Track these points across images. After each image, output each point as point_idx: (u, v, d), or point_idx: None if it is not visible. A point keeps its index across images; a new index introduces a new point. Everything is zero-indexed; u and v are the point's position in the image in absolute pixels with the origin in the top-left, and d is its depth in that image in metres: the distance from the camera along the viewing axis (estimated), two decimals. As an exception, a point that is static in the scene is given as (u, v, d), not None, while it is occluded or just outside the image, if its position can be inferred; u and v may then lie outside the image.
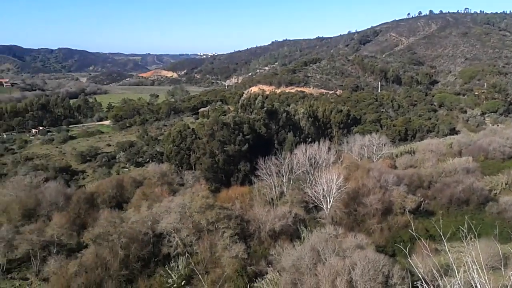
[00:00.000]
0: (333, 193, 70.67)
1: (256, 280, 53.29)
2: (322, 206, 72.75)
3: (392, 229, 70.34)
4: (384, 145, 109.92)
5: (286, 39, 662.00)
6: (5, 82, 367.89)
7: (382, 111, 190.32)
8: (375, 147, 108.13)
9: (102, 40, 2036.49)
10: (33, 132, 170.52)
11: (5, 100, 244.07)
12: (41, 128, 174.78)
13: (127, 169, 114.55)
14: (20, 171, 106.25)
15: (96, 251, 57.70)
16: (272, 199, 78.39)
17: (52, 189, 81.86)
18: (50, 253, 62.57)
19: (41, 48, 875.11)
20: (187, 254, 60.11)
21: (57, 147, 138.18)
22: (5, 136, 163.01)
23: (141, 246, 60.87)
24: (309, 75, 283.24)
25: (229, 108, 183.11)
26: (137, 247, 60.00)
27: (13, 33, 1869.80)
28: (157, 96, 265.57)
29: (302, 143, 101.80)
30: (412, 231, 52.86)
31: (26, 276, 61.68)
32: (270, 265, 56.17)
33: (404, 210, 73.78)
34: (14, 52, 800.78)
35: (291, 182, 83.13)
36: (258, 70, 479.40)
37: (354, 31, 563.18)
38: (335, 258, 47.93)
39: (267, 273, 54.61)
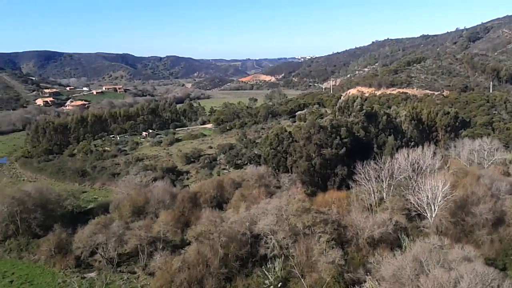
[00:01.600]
0: (438, 201, 66.65)
1: (354, 288, 52.21)
2: (425, 215, 68.96)
3: (504, 241, 64.72)
4: (497, 150, 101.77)
5: (388, 39, 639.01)
6: (119, 88, 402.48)
7: (494, 113, 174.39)
8: (486, 152, 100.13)
9: (206, 48, 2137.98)
10: (144, 134, 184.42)
11: (119, 105, 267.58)
12: (150, 131, 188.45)
13: (227, 171, 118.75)
14: (131, 171, 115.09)
15: (198, 249, 60.56)
16: (370, 205, 75.95)
17: (160, 188, 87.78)
18: (156, 249, 67.09)
19: (151, 56, 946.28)
20: (283, 257, 60.56)
21: (164, 149, 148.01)
22: (118, 138, 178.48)
23: (240, 246, 62.62)
24: (413, 75, 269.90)
25: (326, 111, 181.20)
26: (236, 246, 61.84)
27: (126, 43, 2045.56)
28: (256, 99, 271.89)
29: (403, 147, 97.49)
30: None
31: (134, 270, 66.73)
32: (368, 273, 54.50)
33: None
34: (127, 60, 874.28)
35: (392, 188, 79.75)
36: (357, 72, 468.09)
37: (462, 27, 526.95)
38: (440, 270, 45.34)
39: (365, 282, 53.10)
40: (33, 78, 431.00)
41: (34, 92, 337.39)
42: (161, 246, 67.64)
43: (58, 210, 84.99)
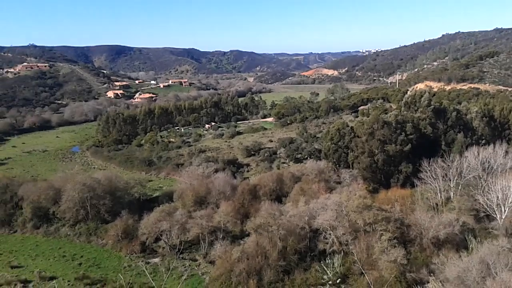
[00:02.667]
0: (509, 202, 63.04)
1: (416, 288, 50.61)
2: (495, 216, 65.43)
3: None
4: None
5: (459, 32, 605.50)
6: (184, 82, 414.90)
7: None
8: None
9: (269, 42, 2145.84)
10: (206, 127, 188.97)
11: (184, 98, 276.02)
12: (213, 123, 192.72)
13: (286, 165, 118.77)
14: (194, 162, 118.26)
15: (257, 240, 61.29)
16: (436, 204, 72.98)
17: (221, 180, 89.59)
18: (216, 238, 68.72)
19: (215, 51, 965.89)
20: (342, 253, 59.84)
21: (226, 141, 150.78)
22: (183, 130, 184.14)
23: (298, 240, 62.64)
24: (485, 70, 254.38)
25: (391, 106, 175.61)
26: (294, 240, 61.93)
27: (192, 38, 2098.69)
28: (317, 94, 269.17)
29: (473, 145, 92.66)
30: None
31: (195, 258, 68.73)
32: (431, 274, 52.65)
33: None
34: (192, 55, 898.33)
35: (460, 188, 76.11)
36: (425, 66, 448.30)
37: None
38: (508, 274, 43.06)
39: (428, 282, 51.41)
40: (105, 71, 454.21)
41: (105, 85, 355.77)
42: (221, 235, 69.13)
43: (126, 197, 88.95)
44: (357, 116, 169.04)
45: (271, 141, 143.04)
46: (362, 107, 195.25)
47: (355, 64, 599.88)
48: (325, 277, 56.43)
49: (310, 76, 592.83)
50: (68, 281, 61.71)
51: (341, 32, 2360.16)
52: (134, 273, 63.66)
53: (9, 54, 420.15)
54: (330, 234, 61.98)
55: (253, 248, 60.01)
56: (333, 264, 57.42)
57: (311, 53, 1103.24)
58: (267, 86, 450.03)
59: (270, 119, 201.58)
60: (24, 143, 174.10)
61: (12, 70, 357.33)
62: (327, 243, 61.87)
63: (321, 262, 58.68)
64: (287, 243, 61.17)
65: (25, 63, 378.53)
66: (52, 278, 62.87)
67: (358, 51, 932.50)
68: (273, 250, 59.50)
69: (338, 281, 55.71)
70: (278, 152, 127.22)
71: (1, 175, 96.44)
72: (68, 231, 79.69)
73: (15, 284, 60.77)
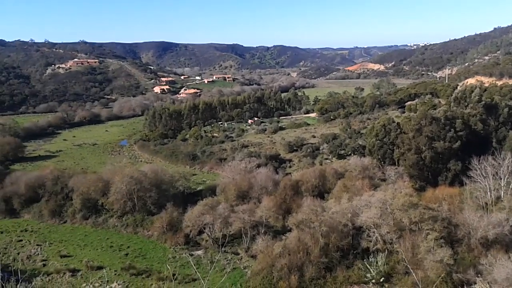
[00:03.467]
0: None
1: (463, 290, 49.04)
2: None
3: None
4: None
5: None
6: (228, 77, 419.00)
7: None
8: None
9: (313, 37, 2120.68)
10: (249, 122, 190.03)
11: (227, 93, 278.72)
12: (256, 119, 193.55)
13: (329, 161, 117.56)
14: (237, 157, 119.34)
15: (299, 236, 61.18)
16: (486, 203, 70.14)
17: (263, 175, 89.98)
18: (258, 233, 69.11)
19: (259, 46, 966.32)
20: (386, 251, 58.69)
21: (268, 137, 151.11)
22: (226, 125, 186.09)
23: (341, 237, 61.97)
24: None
25: (440, 102, 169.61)
26: (337, 237, 61.32)
27: (236, 33, 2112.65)
28: (362, 89, 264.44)
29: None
30: None
31: (237, 251, 69.51)
32: (479, 275, 50.78)
33: None
34: (236, 51, 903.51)
35: (510, 187, 72.70)
36: (476, 60, 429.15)
37: None
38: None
39: (475, 283, 49.68)
40: (152, 67, 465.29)
41: (152, 81, 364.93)
42: (263, 230, 69.47)
43: (171, 190, 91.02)
44: (403, 112, 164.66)
45: (314, 137, 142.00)
46: (409, 102, 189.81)
47: (403, 58, 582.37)
48: (368, 275, 55.59)
49: (355, 71, 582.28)
50: (115, 270, 63.98)
51: (388, 26, 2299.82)
52: (178, 264, 65.15)
53: (61, 50, 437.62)
54: (373, 232, 60.89)
55: (295, 243, 59.93)
56: (377, 262, 56.42)
57: (357, 47, 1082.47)
58: (310, 81, 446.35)
59: (313, 115, 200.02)
60: (74, 137, 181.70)
61: (63, 65, 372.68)
62: (371, 241, 60.84)
63: (364, 260, 57.84)
64: (329, 240, 60.65)
65: (75, 59, 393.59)
66: (99, 268, 65.34)
67: (406, 45, 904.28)
68: (315, 246, 59.21)
69: (381, 280, 54.73)
70: (321, 148, 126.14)
71: (52, 167, 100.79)
72: (115, 222, 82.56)
73: (64, 273, 63.54)
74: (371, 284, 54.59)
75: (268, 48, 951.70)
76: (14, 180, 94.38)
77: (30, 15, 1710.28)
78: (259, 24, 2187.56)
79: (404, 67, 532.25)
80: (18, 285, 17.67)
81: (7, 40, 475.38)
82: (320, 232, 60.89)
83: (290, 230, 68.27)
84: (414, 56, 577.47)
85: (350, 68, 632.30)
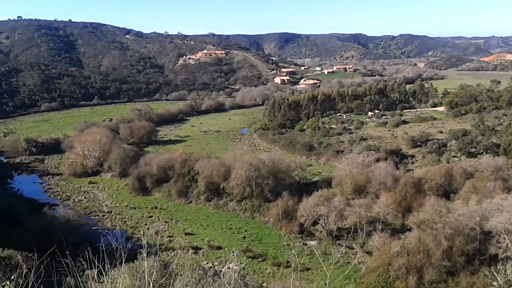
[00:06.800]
0: None
1: None
2: None
3: None
4: None
5: None
6: (349, 68, 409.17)
7: None
8: None
9: (444, 24, 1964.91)
10: (369, 114, 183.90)
11: (347, 85, 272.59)
12: (376, 111, 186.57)
13: (457, 159, 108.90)
14: (354, 150, 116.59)
15: (419, 236, 57.96)
16: None
17: (382, 170, 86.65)
18: (375, 229, 67.03)
19: (384, 35, 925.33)
20: (519, 261, 52.72)
21: (389, 130, 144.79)
22: (344, 117, 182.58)
23: (466, 241, 57.30)
24: None
25: None
26: (462, 241, 56.80)
27: (360, 22, 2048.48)
28: (499, 82, 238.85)
29: None
30: None
31: (352, 246, 68.20)
32: None
33: None
34: (359, 40, 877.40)
35: None
36: None
37: None
38: None
39: None
40: (273, 58, 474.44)
41: (273, 71, 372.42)
42: (380, 227, 67.21)
43: (287, 179, 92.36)
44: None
45: (441, 132, 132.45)
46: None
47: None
48: (494, 283, 50.41)
49: (491, 62, 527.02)
50: (233, 252, 67.14)
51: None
52: (292, 252, 66.10)
53: (191, 42, 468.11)
54: (504, 238, 55.19)
55: (415, 244, 56.84)
56: (505, 270, 50.86)
57: (493, 36, 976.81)
58: (439, 73, 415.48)
59: (440, 108, 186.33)
60: (201, 123, 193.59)
61: (193, 56, 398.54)
62: (500, 248, 55.35)
63: (491, 267, 52.67)
64: (453, 243, 56.35)
65: (204, 50, 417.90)
66: (219, 248, 69.28)
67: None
68: (437, 248, 55.47)
69: (510, 291, 49.37)
70: (448, 145, 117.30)
71: (181, 151, 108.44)
72: (235, 206, 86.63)
73: (188, 250, 68.52)
74: (498, 294, 49.55)
75: (393, 37, 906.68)
76: (147, 161, 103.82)
77: (165, 9, 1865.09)
78: (384, 12, 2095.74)
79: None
80: (147, 257, 19.50)
81: (144, 32, 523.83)
82: (443, 234, 56.91)
83: (409, 230, 65.12)
84: None
85: (485, 59, 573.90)
